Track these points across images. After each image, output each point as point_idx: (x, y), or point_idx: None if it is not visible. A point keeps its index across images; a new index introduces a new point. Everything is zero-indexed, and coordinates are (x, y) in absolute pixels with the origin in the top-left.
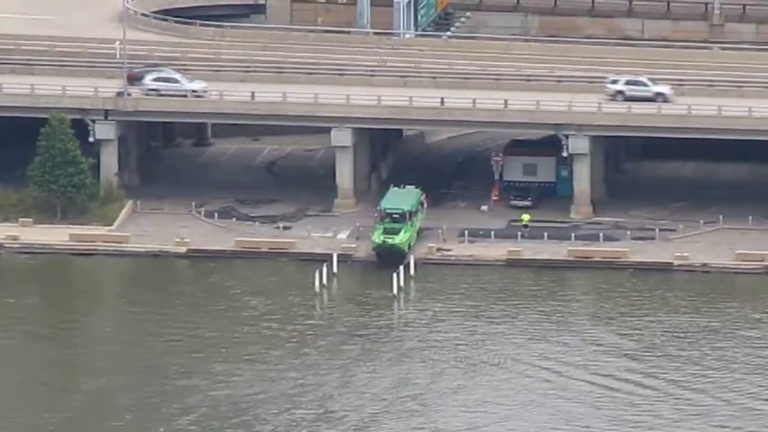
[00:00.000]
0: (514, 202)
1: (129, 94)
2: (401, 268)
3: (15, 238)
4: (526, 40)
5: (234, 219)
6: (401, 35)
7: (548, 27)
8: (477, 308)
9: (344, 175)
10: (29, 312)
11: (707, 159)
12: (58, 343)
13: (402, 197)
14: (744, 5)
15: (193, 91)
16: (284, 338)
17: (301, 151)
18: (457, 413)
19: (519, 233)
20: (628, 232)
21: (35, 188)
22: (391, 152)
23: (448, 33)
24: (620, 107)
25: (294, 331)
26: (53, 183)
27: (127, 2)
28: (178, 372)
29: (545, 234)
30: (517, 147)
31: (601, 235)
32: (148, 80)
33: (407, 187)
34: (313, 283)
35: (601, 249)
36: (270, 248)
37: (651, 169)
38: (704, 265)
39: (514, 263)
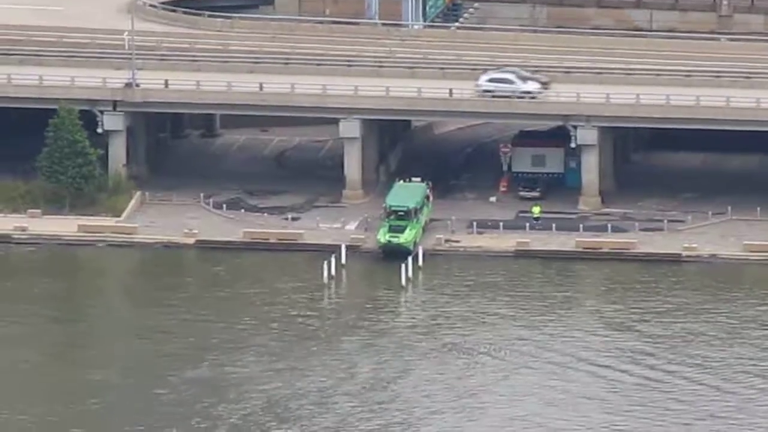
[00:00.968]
0: (522, 193)
1: (137, 85)
2: (410, 259)
3: (23, 229)
4: (535, 31)
5: (242, 210)
6: (410, 26)
7: (556, 18)
8: (485, 299)
9: (352, 166)
10: (37, 303)
11: (715, 150)
12: (65, 334)
13: (407, 193)
14: None
15: (528, 92)
16: (292, 329)
17: (309, 142)
18: (465, 402)
19: (527, 224)
20: (637, 223)
21: (44, 179)
22: (400, 143)
23: (457, 24)
24: (629, 98)
25: (302, 322)
26: (62, 174)
27: None
28: (185, 363)
29: (554, 225)
30: (525, 138)
31: (609, 226)
32: (483, 81)
33: (413, 180)
34: (322, 275)
35: (609, 240)
36: (278, 239)
37: (659, 160)
38: (713, 256)
39: (522, 254)
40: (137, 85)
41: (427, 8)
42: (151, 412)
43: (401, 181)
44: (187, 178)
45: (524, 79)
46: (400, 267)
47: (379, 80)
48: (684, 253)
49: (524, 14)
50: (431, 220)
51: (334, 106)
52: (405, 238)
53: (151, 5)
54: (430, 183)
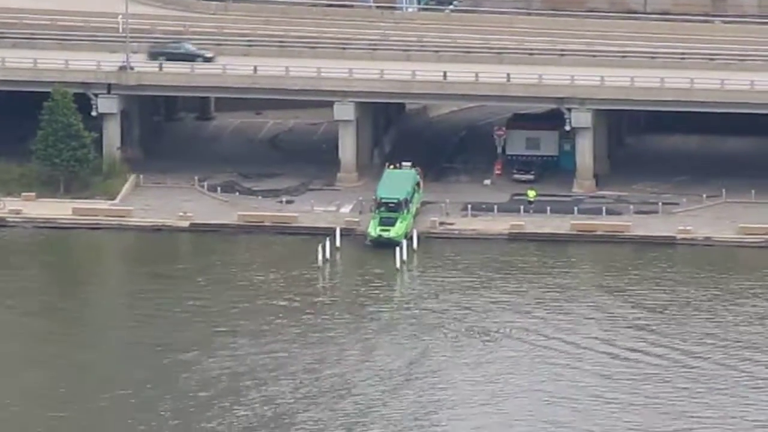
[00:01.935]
0: (516, 176)
1: (131, 68)
2: (404, 242)
3: (18, 212)
4: (529, 14)
5: (237, 193)
6: (404, 9)
7: (551, 0)
8: (479, 282)
9: (347, 149)
10: (32, 286)
11: (710, 132)
12: (60, 317)
13: (398, 182)
14: None
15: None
16: (286, 312)
17: (303, 125)
18: (461, 384)
19: (522, 207)
20: (631, 206)
21: (38, 162)
22: (394, 126)
23: (451, 7)
24: (623, 81)
25: (296, 305)
26: (56, 157)
27: None
28: (179, 346)
29: (548, 208)
30: (519, 121)
31: (603, 208)
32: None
33: (403, 165)
34: (316, 258)
35: (603, 223)
36: (273, 222)
37: (654, 143)
38: (707, 238)
39: (516, 237)
40: (131, 69)
41: None
42: (144, 396)
43: (391, 167)
44: (182, 161)
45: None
46: (394, 250)
47: (373, 63)
48: (678, 236)
49: None
50: (425, 203)
51: (329, 89)
52: (396, 231)
53: None
54: (420, 169)
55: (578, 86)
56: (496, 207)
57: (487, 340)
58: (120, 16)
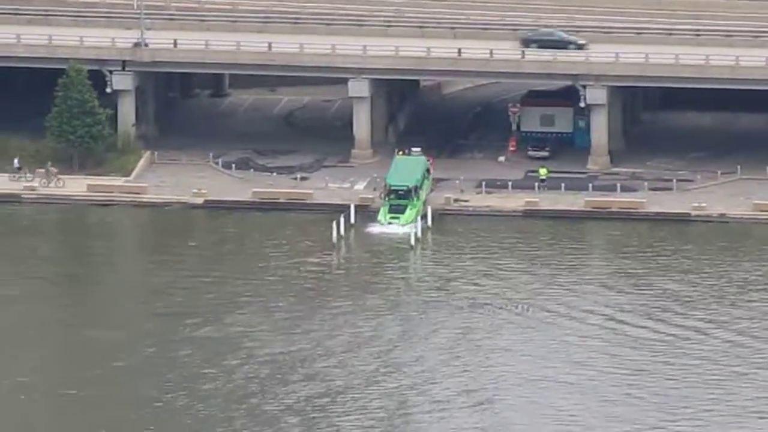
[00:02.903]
0: (531, 153)
1: (146, 45)
2: (419, 219)
3: (33, 189)
4: None
5: (251, 170)
6: None
7: None
8: (494, 258)
9: (361, 125)
10: (46, 262)
11: (725, 109)
12: (74, 293)
13: (407, 169)
14: None
15: None
16: (300, 289)
17: (318, 102)
18: (476, 360)
19: (536, 184)
20: (646, 183)
21: (53, 139)
22: (408, 103)
23: None
24: (638, 58)
25: (310, 281)
26: (71, 134)
27: None
28: (193, 321)
29: (562, 185)
30: (534, 98)
31: (618, 185)
32: None
33: (413, 151)
34: (331, 234)
35: (618, 200)
36: (287, 199)
37: (669, 120)
38: (722, 215)
39: (531, 214)
40: (146, 45)
41: None
42: (160, 372)
43: (401, 154)
44: (196, 137)
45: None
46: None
47: (388, 40)
48: (693, 213)
49: None
50: (439, 179)
51: (343, 66)
52: (405, 219)
53: None
54: (431, 159)
55: (593, 63)
56: (510, 184)
57: (499, 316)
58: None
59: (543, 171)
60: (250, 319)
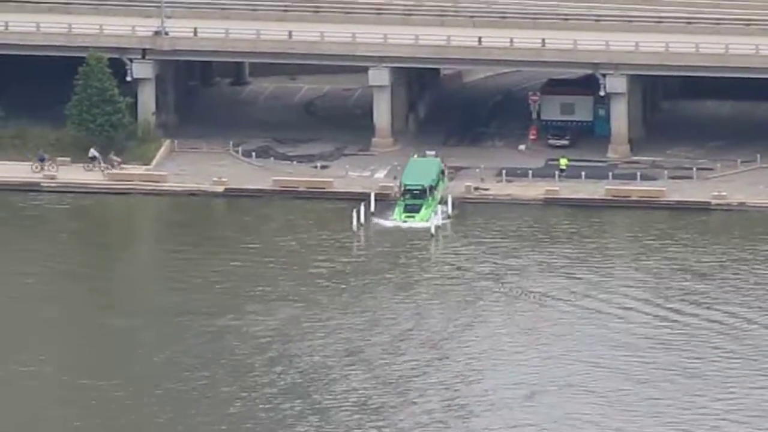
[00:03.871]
0: (551, 142)
1: (166, 33)
2: (439, 207)
3: (53, 178)
4: None
5: (271, 158)
6: None
7: None
8: (514, 246)
9: (382, 114)
10: (66, 250)
11: (745, 98)
12: (94, 281)
13: (422, 170)
14: None
15: None
16: (322, 277)
17: (338, 91)
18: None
19: (556, 173)
20: (666, 172)
21: (73, 127)
22: (429, 91)
23: None
24: (658, 46)
25: (331, 269)
26: (91, 122)
27: None
28: (214, 311)
29: (583, 173)
30: (554, 86)
31: (638, 174)
32: None
33: (427, 154)
34: (351, 223)
35: (638, 188)
36: (307, 187)
37: (689, 109)
38: (741, 204)
39: (551, 202)
40: (166, 34)
41: None
42: (178, 358)
43: (416, 156)
44: (216, 126)
45: None
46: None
47: (408, 28)
48: (713, 201)
49: None
50: (459, 168)
51: (364, 54)
52: (420, 217)
53: None
54: (445, 163)
55: (613, 51)
56: (530, 172)
57: (521, 305)
58: None
59: (563, 161)
60: (270, 309)
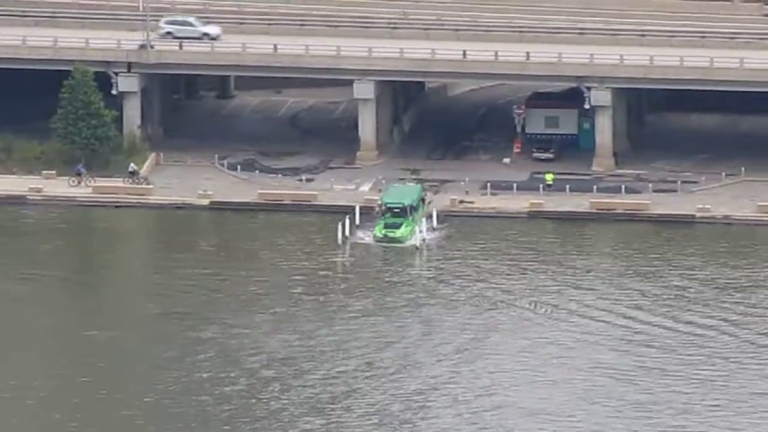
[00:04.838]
0: (536, 155)
1: (152, 47)
2: (424, 220)
3: (38, 191)
4: None
5: (257, 171)
6: None
7: None
8: (499, 259)
9: (367, 127)
10: (52, 263)
11: (729, 111)
12: (78, 294)
13: (403, 192)
14: None
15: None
16: (306, 290)
17: (323, 104)
18: (479, 362)
19: (541, 186)
20: (650, 185)
21: (58, 140)
22: (414, 105)
23: None
24: (642, 59)
25: (315, 282)
26: (76, 135)
27: None
28: (199, 324)
29: (567, 186)
30: (539, 99)
31: (623, 187)
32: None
33: (408, 184)
34: (336, 235)
35: (623, 201)
36: (292, 200)
37: (673, 121)
38: (726, 217)
39: (536, 215)
40: (152, 47)
41: None
42: (160, 370)
43: (396, 184)
44: (202, 139)
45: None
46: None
47: (393, 42)
48: (697, 214)
49: None
50: (444, 181)
51: (349, 68)
52: (401, 233)
53: None
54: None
55: (598, 65)
56: (515, 185)
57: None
58: None
59: (549, 177)
60: (255, 322)
